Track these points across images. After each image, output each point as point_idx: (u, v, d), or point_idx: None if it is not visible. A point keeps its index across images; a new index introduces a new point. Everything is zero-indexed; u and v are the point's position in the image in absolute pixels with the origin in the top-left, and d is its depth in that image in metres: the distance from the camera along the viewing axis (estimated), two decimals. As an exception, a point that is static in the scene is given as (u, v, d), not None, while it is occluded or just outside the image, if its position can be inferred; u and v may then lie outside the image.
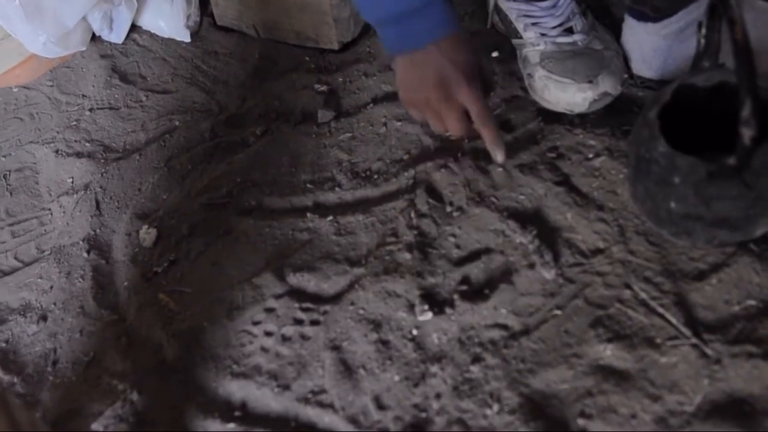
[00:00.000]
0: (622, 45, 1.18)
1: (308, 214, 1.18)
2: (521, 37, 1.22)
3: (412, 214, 1.12)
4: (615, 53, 1.16)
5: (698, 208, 0.88)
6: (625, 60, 1.18)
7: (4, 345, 1.18)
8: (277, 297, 1.08)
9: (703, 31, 0.93)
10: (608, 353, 0.91)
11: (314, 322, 1.04)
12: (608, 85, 1.12)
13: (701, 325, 0.90)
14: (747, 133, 0.83)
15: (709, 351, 0.88)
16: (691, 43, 1.07)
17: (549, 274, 1.00)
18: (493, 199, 1.10)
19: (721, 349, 0.87)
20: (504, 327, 0.97)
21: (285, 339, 1.04)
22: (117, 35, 1.64)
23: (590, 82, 1.12)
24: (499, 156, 1.06)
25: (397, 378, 0.96)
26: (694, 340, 0.89)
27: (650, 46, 1.13)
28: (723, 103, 0.91)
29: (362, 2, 1.03)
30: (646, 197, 0.94)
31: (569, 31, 1.17)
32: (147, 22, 1.66)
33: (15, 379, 1.13)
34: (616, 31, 1.20)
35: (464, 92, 1.00)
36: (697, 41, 0.95)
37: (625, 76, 1.16)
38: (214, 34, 1.60)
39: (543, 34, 1.18)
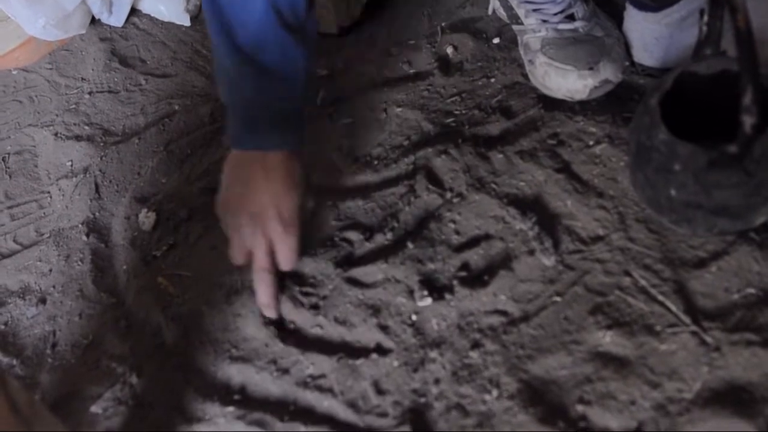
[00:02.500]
0: (624, 32, 1.18)
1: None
2: (522, 24, 1.21)
3: (412, 200, 1.12)
4: (616, 40, 1.16)
5: (698, 196, 0.88)
6: (627, 48, 1.18)
7: (3, 327, 1.18)
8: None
9: (705, 18, 0.93)
10: (607, 340, 0.91)
11: (313, 307, 1.04)
12: (609, 72, 1.12)
13: (701, 312, 0.90)
14: (748, 121, 0.83)
15: (708, 339, 0.88)
16: (692, 32, 1.07)
17: (549, 260, 1.00)
18: (493, 186, 1.09)
19: (721, 337, 0.88)
20: (503, 313, 0.97)
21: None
22: (117, 18, 1.64)
23: (591, 69, 1.11)
24: (269, 314, 1.05)
25: (396, 363, 0.96)
26: (693, 328, 0.89)
27: (652, 35, 1.13)
28: (724, 91, 0.91)
29: (224, 80, 1.06)
30: (647, 185, 0.94)
31: (570, 17, 1.17)
32: (147, 5, 1.65)
33: (14, 362, 1.13)
34: (617, 19, 1.20)
35: (278, 230, 1.02)
36: (699, 29, 0.94)
37: (627, 63, 1.16)
38: (214, 18, 1.60)
39: (544, 21, 1.18)
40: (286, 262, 1.04)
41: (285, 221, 1.02)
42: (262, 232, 1.02)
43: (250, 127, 1.04)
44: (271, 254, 1.03)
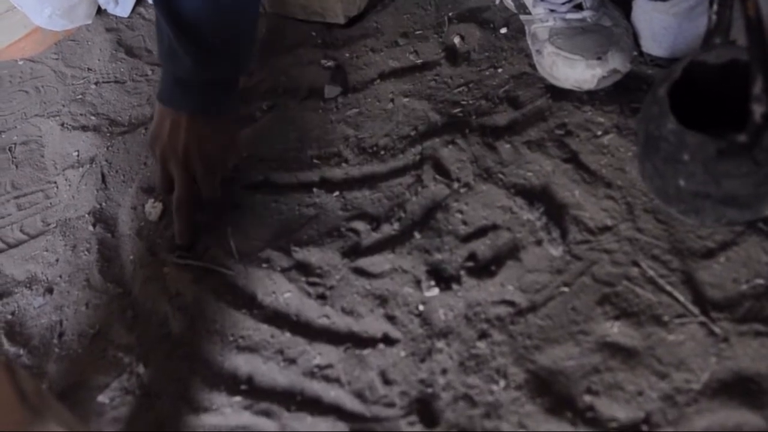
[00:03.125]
0: (632, 22, 1.18)
1: (315, 190, 1.17)
2: (530, 13, 1.21)
3: (419, 190, 1.11)
4: (624, 30, 1.15)
5: (707, 186, 0.88)
6: (635, 37, 1.17)
7: (10, 317, 1.18)
8: (284, 271, 1.08)
9: (715, 7, 0.92)
10: (615, 330, 0.90)
11: (320, 297, 1.04)
12: (617, 62, 1.11)
13: (709, 303, 0.90)
14: (758, 110, 0.82)
15: (716, 329, 0.88)
16: (701, 22, 1.06)
17: (556, 251, 0.99)
18: (501, 176, 1.09)
19: (729, 328, 0.87)
20: (511, 303, 0.97)
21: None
22: (123, 9, 1.64)
23: (599, 58, 1.11)
24: (181, 242, 1.16)
25: (403, 353, 0.96)
26: (701, 318, 0.89)
27: (660, 25, 1.12)
28: (734, 81, 0.91)
29: (159, 30, 1.15)
30: (655, 175, 0.94)
31: (578, 7, 1.16)
32: (153, -5, 1.65)
33: (21, 351, 1.13)
34: (625, 9, 1.19)
35: (200, 169, 1.14)
36: (708, 18, 0.94)
37: (635, 53, 1.16)
38: (221, 8, 1.59)
39: (552, 10, 1.17)
40: (206, 196, 1.16)
41: (206, 161, 1.14)
42: (185, 167, 1.13)
43: (184, 91, 1.14)
44: (191, 188, 1.15)
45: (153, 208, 1.24)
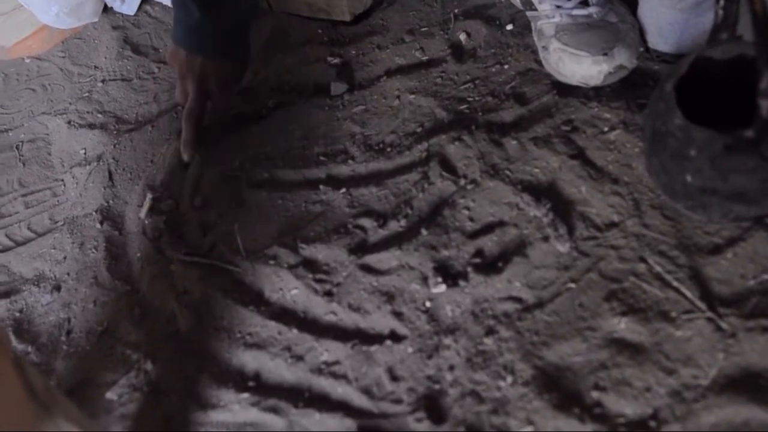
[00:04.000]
0: (638, 18, 1.17)
1: (321, 187, 1.18)
2: (536, 10, 1.21)
3: (426, 187, 1.11)
4: (631, 26, 1.15)
5: (714, 182, 0.88)
6: (641, 33, 1.17)
7: (18, 314, 1.19)
8: (291, 268, 1.08)
9: (721, 2, 0.92)
10: (623, 326, 0.90)
11: (327, 294, 1.04)
12: (624, 58, 1.11)
13: (716, 299, 0.90)
14: (765, 106, 0.82)
15: (724, 325, 0.87)
16: (708, 17, 1.06)
17: (563, 247, 0.99)
18: (507, 172, 1.09)
19: (737, 323, 0.87)
20: (518, 300, 0.97)
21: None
22: (129, 7, 1.64)
23: (605, 54, 1.11)
24: (184, 155, 1.27)
25: (410, 350, 0.96)
26: (709, 314, 0.89)
27: (666, 20, 1.12)
28: (741, 76, 0.91)
29: None
30: (662, 170, 0.93)
31: (585, 3, 1.16)
32: (159, -7, 1.65)
33: (29, 348, 1.13)
34: (631, 5, 1.19)
35: (214, 88, 1.25)
36: (715, 13, 0.94)
37: (641, 49, 1.15)
38: (226, 5, 1.59)
39: (558, 7, 1.17)
40: (218, 107, 1.28)
41: (221, 83, 1.25)
42: (200, 84, 1.23)
43: (196, 38, 1.23)
44: (202, 102, 1.25)
45: (144, 204, 1.24)
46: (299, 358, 1.00)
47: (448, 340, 0.95)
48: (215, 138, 1.32)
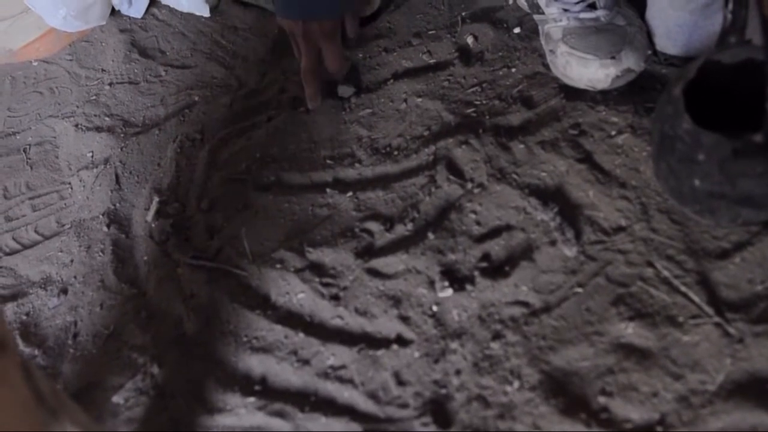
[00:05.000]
0: (647, 21, 1.17)
1: (328, 190, 1.18)
2: (543, 13, 1.20)
3: (433, 190, 1.11)
4: (638, 29, 1.15)
5: (723, 186, 0.88)
6: (649, 36, 1.17)
7: (25, 318, 1.19)
8: (297, 271, 1.08)
9: (730, 6, 0.92)
10: (630, 331, 0.90)
11: (334, 297, 1.04)
12: (631, 62, 1.11)
13: (724, 304, 0.90)
14: (774, 110, 0.82)
15: (731, 330, 0.87)
16: (716, 19, 1.06)
17: (570, 251, 0.99)
18: (515, 176, 1.09)
19: (744, 329, 0.87)
20: (525, 304, 0.96)
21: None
22: (136, 10, 1.64)
23: (613, 58, 1.11)
24: (310, 106, 1.31)
25: (417, 354, 0.96)
26: (716, 319, 0.88)
27: (675, 22, 1.12)
28: (749, 80, 0.90)
29: None
30: (670, 175, 0.93)
31: (592, 6, 1.16)
32: (166, -4, 1.65)
33: (36, 352, 1.14)
34: (640, 8, 1.19)
35: (321, 40, 1.25)
36: (724, 17, 0.93)
37: (649, 52, 1.15)
38: (234, 8, 1.59)
39: (565, 10, 1.17)
40: (331, 64, 1.28)
41: (327, 36, 1.24)
42: (308, 41, 1.24)
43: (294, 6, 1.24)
44: (314, 57, 1.26)
45: (150, 208, 1.24)
46: (305, 362, 1.00)
47: (454, 345, 0.95)
48: (221, 142, 1.32)
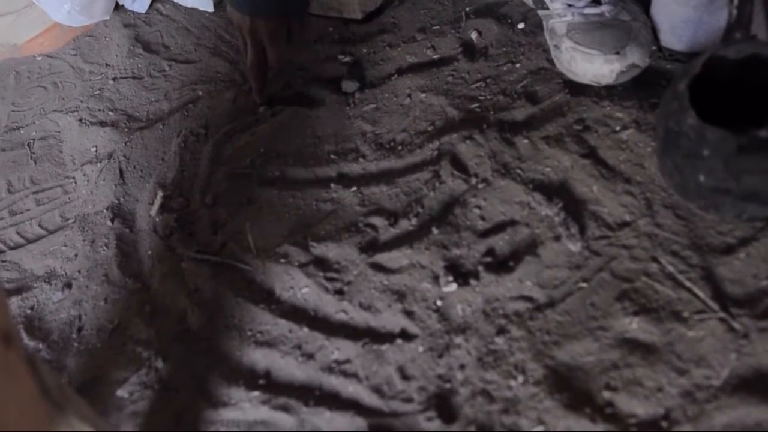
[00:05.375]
0: (651, 16, 1.17)
1: (332, 185, 1.18)
2: (548, 8, 1.20)
3: (437, 186, 1.11)
4: (643, 24, 1.15)
5: (727, 182, 0.88)
6: (654, 32, 1.17)
7: (29, 312, 1.19)
8: (301, 266, 1.08)
9: (735, 1, 0.92)
10: (634, 326, 0.90)
11: (338, 292, 1.04)
12: (636, 57, 1.11)
13: (729, 299, 0.90)
14: (779, 106, 0.82)
15: (736, 325, 0.87)
16: (721, 15, 1.06)
17: (575, 246, 0.99)
18: (519, 171, 1.09)
19: (749, 324, 0.87)
20: (529, 299, 0.96)
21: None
22: (140, 5, 1.64)
23: (618, 53, 1.10)
24: (257, 100, 1.36)
25: (421, 349, 0.96)
26: (721, 314, 0.88)
27: (680, 18, 1.12)
28: (754, 76, 0.90)
29: None
30: (675, 170, 0.93)
31: (597, 2, 1.16)
32: (170, -9, 1.65)
33: (40, 346, 1.14)
34: (644, 3, 1.19)
35: (266, 40, 1.29)
36: (729, 12, 0.94)
37: (654, 48, 1.15)
38: (238, 3, 1.59)
39: (570, 5, 1.17)
40: (272, 61, 1.31)
41: (272, 36, 1.28)
42: (253, 38, 1.29)
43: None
44: (259, 52, 1.30)
45: (154, 202, 1.25)
46: (310, 356, 1.00)
47: (459, 339, 0.95)
48: (225, 137, 1.32)
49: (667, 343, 0.88)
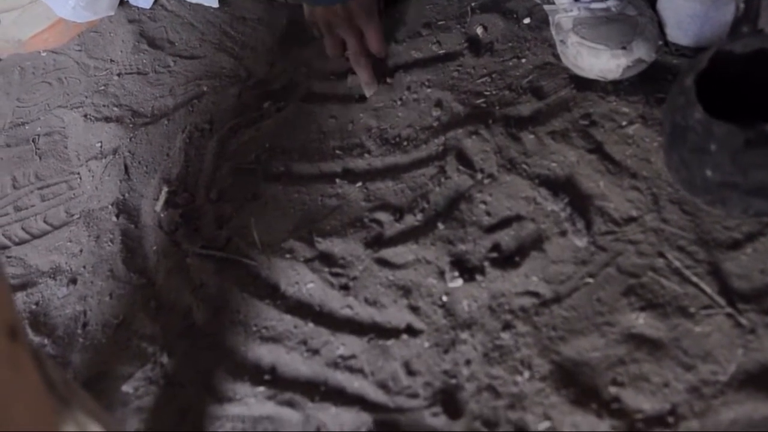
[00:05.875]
0: (658, 11, 1.17)
1: (337, 180, 1.17)
2: (554, 3, 1.20)
3: (442, 181, 1.11)
4: (649, 19, 1.14)
5: (734, 176, 0.87)
6: (660, 27, 1.16)
7: (34, 307, 1.19)
8: (307, 261, 1.08)
9: (743, -4, 0.92)
10: (641, 322, 0.90)
11: (343, 287, 1.04)
12: (642, 52, 1.10)
13: (736, 294, 0.89)
14: (787, 100, 0.81)
15: (743, 320, 0.87)
16: (728, 9, 1.06)
17: (581, 241, 0.99)
18: (525, 166, 1.09)
19: (756, 319, 0.87)
20: (535, 294, 0.96)
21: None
22: (145, 0, 1.64)
23: (624, 48, 1.10)
24: (368, 93, 1.29)
25: (426, 344, 0.96)
26: (728, 310, 0.88)
27: (686, 12, 1.11)
28: (761, 70, 0.90)
29: None
30: (681, 165, 0.93)
31: (603, -4, 1.15)
32: (175, -14, 1.65)
33: (46, 341, 1.14)
34: (650, -2, 1.19)
35: (363, 19, 1.25)
36: (736, 6, 0.93)
37: (660, 43, 1.15)
38: (243, -1, 1.60)
39: (576, 0, 1.16)
40: (376, 44, 1.29)
41: (368, 13, 1.25)
42: (350, 24, 1.25)
43: None
44: (362, 41, 1.27)
45: (159, 198, 1.25)
46: (315, 351, 0.99)
47: (464, 335, 0.95)
48: (230, 132, 1.32)
49: (673, 339, 0.88)
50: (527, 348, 0.92)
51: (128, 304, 1.14)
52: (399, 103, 1.25)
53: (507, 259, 1.00)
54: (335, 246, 1.09)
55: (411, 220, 1.09)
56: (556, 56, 1.21)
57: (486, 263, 1.00)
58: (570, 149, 1.08)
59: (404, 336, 0.97)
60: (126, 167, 1.33)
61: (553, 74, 1.19)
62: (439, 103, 1.22)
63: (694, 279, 0.92)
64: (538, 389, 0.88)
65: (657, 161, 1.03)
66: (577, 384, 0.88)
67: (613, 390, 0.86)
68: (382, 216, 1.10)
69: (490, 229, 1.04)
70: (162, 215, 1.23)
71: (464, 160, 1.13)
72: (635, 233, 0.98)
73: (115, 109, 1.46)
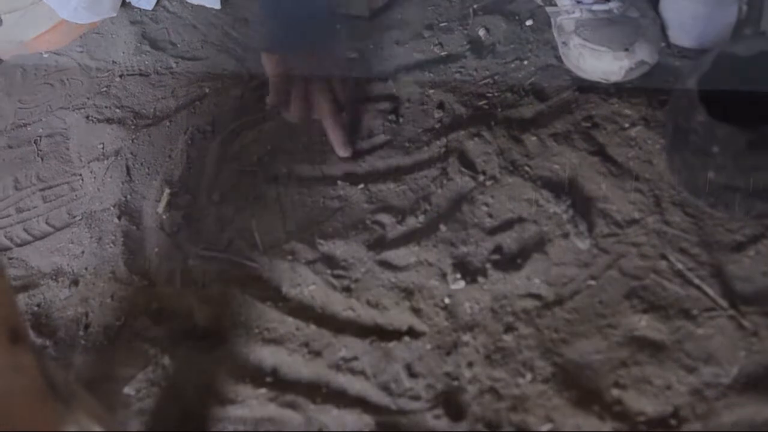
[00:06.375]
0: (660, 13, 1.17)
1: (339, 182, 1.17)
2: (556, 5, 1.20)
3: (444, 183, 1.11)
4: (652, 21, 1.14)
5: (737, 179, 0.87)
6: (663, 29, 1.16)
7: (36, 309, 1.19)
8: (308, 263, 1.08)
9: (745, -2, 0.91)
10: (643, 324, 0.90)
11: (345, 289, 1.04)
12: (645, 54, 1.10)
13: (738, 296, 0.89)
14: (790, 102, 0.81)
15: (746, 323, 0.87)
16: (731, 12, 1.06)
17: (583, 244, 0.99)
18: (527, 169, 1.09)
19: (759, 321, 0.86)
20: (537, 297, 0.96)
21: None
22: (147, 2, 1.64)
23: (626, 50, 1.10)
24: (341, 151, 1.20)
25: (428, 346, 0.96)
26: (730, 312, 0.88)
27: (689, 14, 1.11)
28: (764, 72, 0.90)
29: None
30: (684, 167, 0.93)
31: (605, -2, 1.15)
32: (177, -12, 1.65)
33: (47, 343, 1.13)
34: (653, 0, 1.18)
35: (338, 85, 1.20)
36: (739, 8, 0.93)
37: (662, 44, 1.15)
38: (245, 0, 1.59)
39: (578, 2, 1.16)
40: (347, 106, 1.22)
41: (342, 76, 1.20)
42: (322, 86, 1.18)
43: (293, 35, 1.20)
44: (334, 102, 1.19)
45: (161, 199, 1.24)
46: (317, 353, 0.99)
47: (466, 337, 0.95)
48: (232, 134, 1.32)
49: (676, 341, 0.88)
50: (529, 350, 0.92)
51: (130, 306, 1.14)
52: (401, 104, 1.25)
53: (509, 261, 1.00)
54: (337, 248, 1.09)
55: (413, 222, 1.09)
56: (558, 58, 1.21)
57: (488, 265, 1.00)
58: (572, 151, 1.08)
59: (406, 338, 0.97)
60: (128, 169, 1.33)
61: (555, 76, 1.19)
62: (441, 105, 1.22)
63: (697, 281, 0.91)
64: (541, 391, 0.88)
65: (659, 163, 1.03)
66: (580, 386, 0.88)
67: (615, 392, 0.86)
68: (384, 218, 1.10)
69: (492, 231, 1.04)
70: (164, 217, 1.23)
71: (466, 162, 1.13)
72: (637, 235, 0.97)
73: (117, 110, 1.46)
